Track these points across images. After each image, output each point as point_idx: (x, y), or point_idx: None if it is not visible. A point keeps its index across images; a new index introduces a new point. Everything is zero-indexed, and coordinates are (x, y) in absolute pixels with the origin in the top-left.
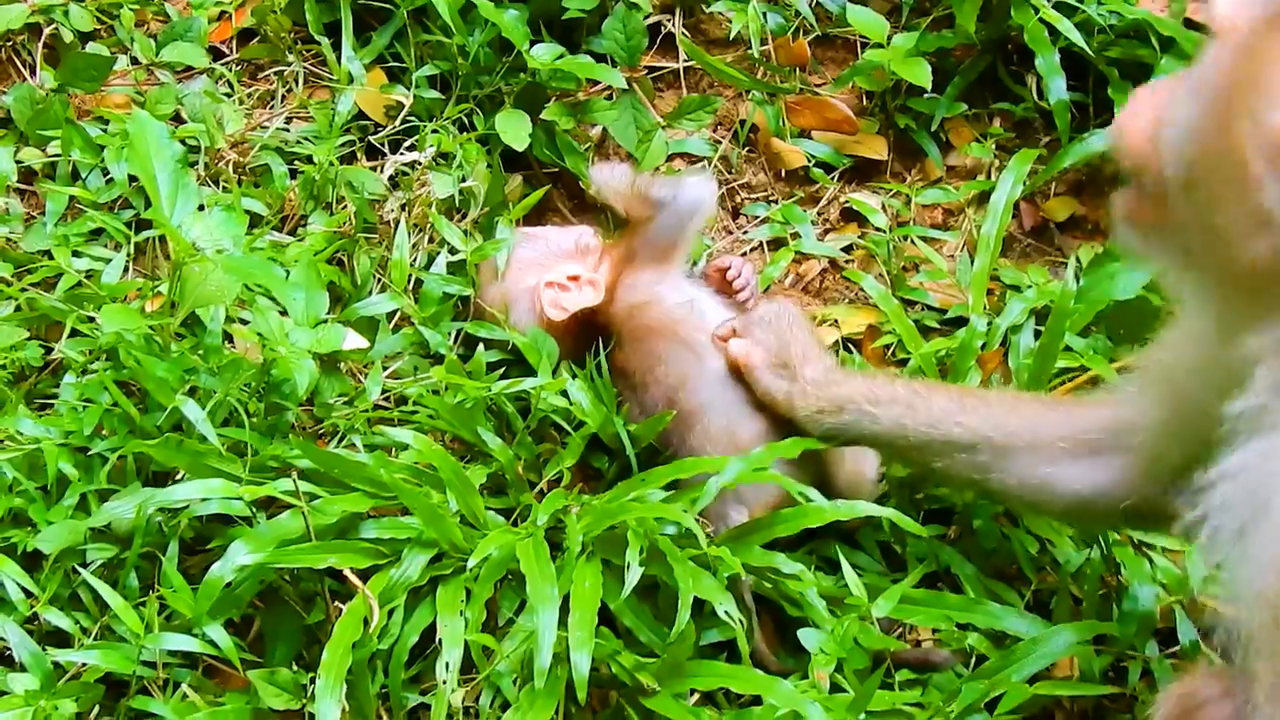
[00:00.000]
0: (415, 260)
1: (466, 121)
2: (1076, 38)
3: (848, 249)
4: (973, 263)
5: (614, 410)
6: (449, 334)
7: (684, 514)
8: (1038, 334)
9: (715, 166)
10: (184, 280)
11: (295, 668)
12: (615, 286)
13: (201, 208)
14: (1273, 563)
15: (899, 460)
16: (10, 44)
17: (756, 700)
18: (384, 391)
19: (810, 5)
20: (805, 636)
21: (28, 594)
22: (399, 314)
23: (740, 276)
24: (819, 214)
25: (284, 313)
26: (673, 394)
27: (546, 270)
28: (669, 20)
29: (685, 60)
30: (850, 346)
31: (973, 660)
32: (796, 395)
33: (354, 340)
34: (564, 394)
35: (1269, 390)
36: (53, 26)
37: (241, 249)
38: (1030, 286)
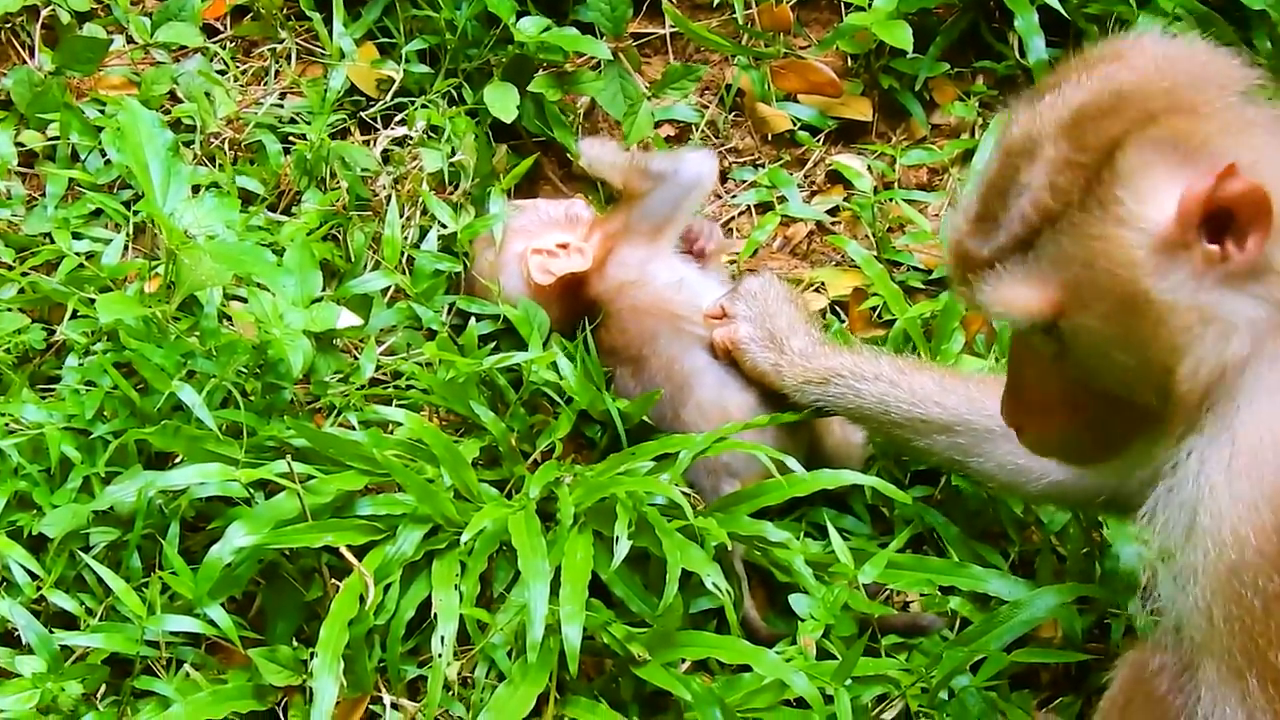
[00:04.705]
0: (408, 235)
1: (455, 95)
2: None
3: (834, 211)
4: None
5: (603, 387)
6: (441, 309)
7: (670, 486)
8: None
9: (702, 131)
10: (178, 267)
11: (295, 644)
12: (606, 261)
13: (197, 189)
14: (1204, 568)
15: (882, 437)
16: (9, 25)
17: (746, 667)
18: (379, 367)
19: None
20: (795, 602)
21: (33, 577)
22: (393, 289)
23: (700, 231)
24: (805, 177)
25: None
26: (669, 368)
27: (534, 238)
28: None
29: (671, 26)
30: (838, 309)
31: (957, 623)
32: (785, 367)
33: (348, 318)
34: (554, 367)
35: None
36: (50, 7)
37: (235, 232)
38: None
